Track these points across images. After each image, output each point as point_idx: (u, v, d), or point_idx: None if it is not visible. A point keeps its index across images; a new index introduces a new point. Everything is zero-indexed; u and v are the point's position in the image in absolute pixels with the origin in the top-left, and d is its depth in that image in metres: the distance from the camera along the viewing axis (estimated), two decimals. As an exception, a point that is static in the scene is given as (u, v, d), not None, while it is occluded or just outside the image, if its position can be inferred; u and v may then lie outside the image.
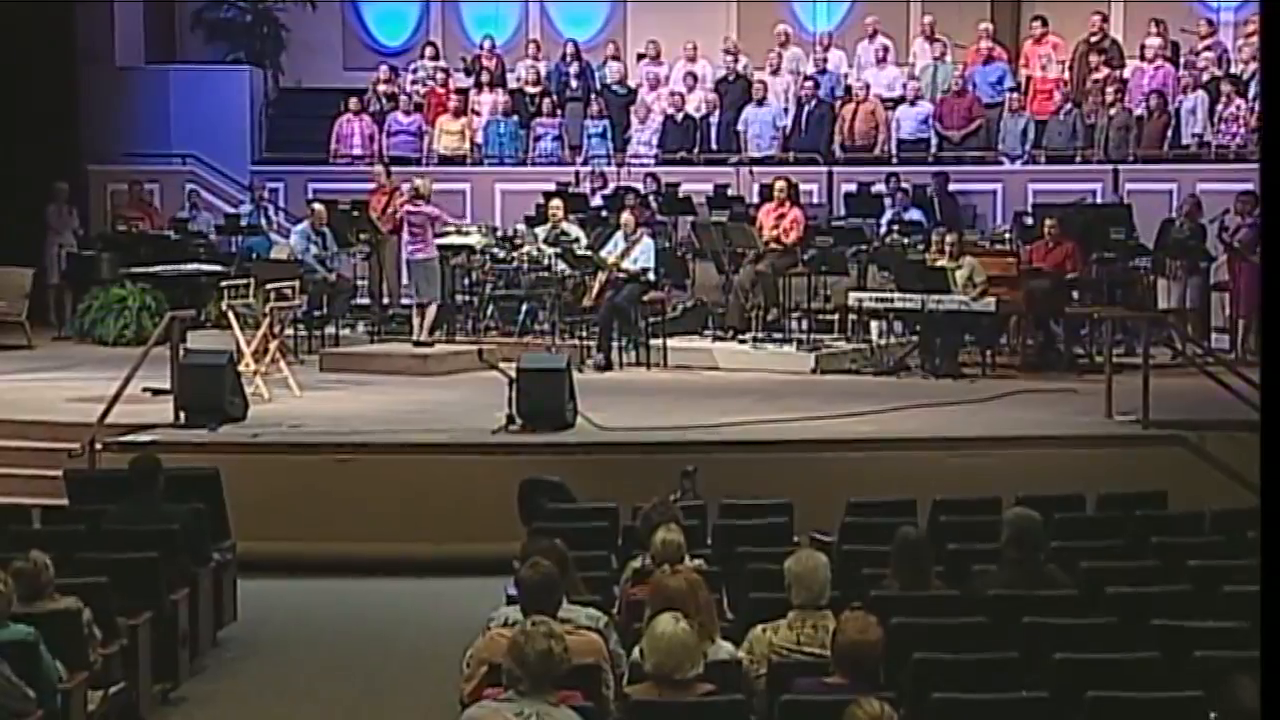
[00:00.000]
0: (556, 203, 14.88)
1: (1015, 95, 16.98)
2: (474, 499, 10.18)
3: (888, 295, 13.61)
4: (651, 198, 16.27)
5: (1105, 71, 16.74)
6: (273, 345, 12.72)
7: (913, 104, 17.04)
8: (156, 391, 11.66)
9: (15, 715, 6.00)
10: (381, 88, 18.50)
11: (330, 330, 14.81)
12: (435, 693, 7.32)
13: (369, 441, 10.67)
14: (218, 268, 14.89)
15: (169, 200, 17.83)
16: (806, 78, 17.46)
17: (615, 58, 18.48)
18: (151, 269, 15.15)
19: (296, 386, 12.43)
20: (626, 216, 14.26)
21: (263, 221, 16.70)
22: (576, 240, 14.47)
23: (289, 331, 13.94)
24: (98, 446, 10.44)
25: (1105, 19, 17.43)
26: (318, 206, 14.95)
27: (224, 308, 12.84)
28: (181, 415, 11.02)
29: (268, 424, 11.14)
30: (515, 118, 17.91)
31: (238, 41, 19.72)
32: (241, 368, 11.90)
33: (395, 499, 10.33)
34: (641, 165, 17.24)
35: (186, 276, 14.91)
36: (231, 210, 17.26)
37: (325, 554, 10.09)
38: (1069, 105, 16.58)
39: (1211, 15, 17.33)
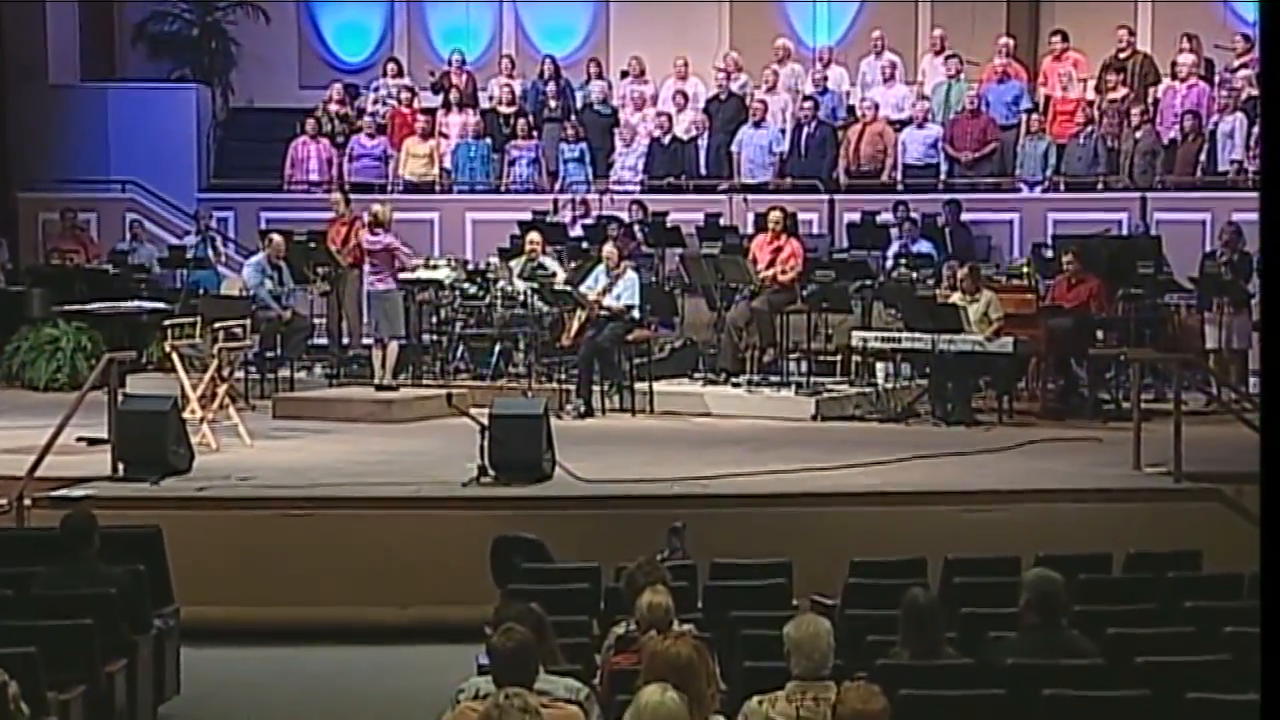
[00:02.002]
0: (535, 236, 14.93)
1: (1034, 116, 17.08)
2: (442, 558, 10.17)
3: (895, 335, 13.66)
4: (636, 228, 16.33)
5: (1123, 91, 16.85)
6: (221, 390, 12.71)
7: (921, 126, 17.14)
8: (92, 441, 11.64)
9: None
10: (333, 108, 18.57)
11: (284, 373, 14.81)
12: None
13: (327, 495, 10.66)
14: (160, 305, 14.88)
15: (107, 231, 17.86)
16: (806, 97, 17.55)
17: (597, 75, 18.58)
18: (87, 306, 15.13)
19: (247, 435, 12.42)
20: (609, 248, 14.31)
21: (210, 254, 16.72)
22: (554, 275, 14.51)
23: (239, 375, 13.94)
24: (26, 502, 10.39)
25: (1132, 34, 17.52)
26: (276, 237, 14.99)
27: (167, 349, 12.84)
28: (120, 467, 11.00)
29: (215, 476, 11.12)
30: (487, 140, 17.99)
31: (183, 57, 19.78)
32: (186, 415, 11.89)
33: (356, 558, 10.31)
34: (626, 192, 17.32)
35: (126, 314, 14.89)
36: (176, 241, 17.29)
37: (278, 620, 10.06)
38: (1091, 127, 16.67)
39: (1248, 30, 17.39)
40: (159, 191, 18.21)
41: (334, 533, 10.40)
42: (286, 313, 14.77)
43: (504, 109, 18.30)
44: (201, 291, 15.51)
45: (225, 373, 12.92)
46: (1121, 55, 17.23)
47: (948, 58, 17.74)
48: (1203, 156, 16.29)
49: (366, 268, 14.36)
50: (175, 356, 12.75)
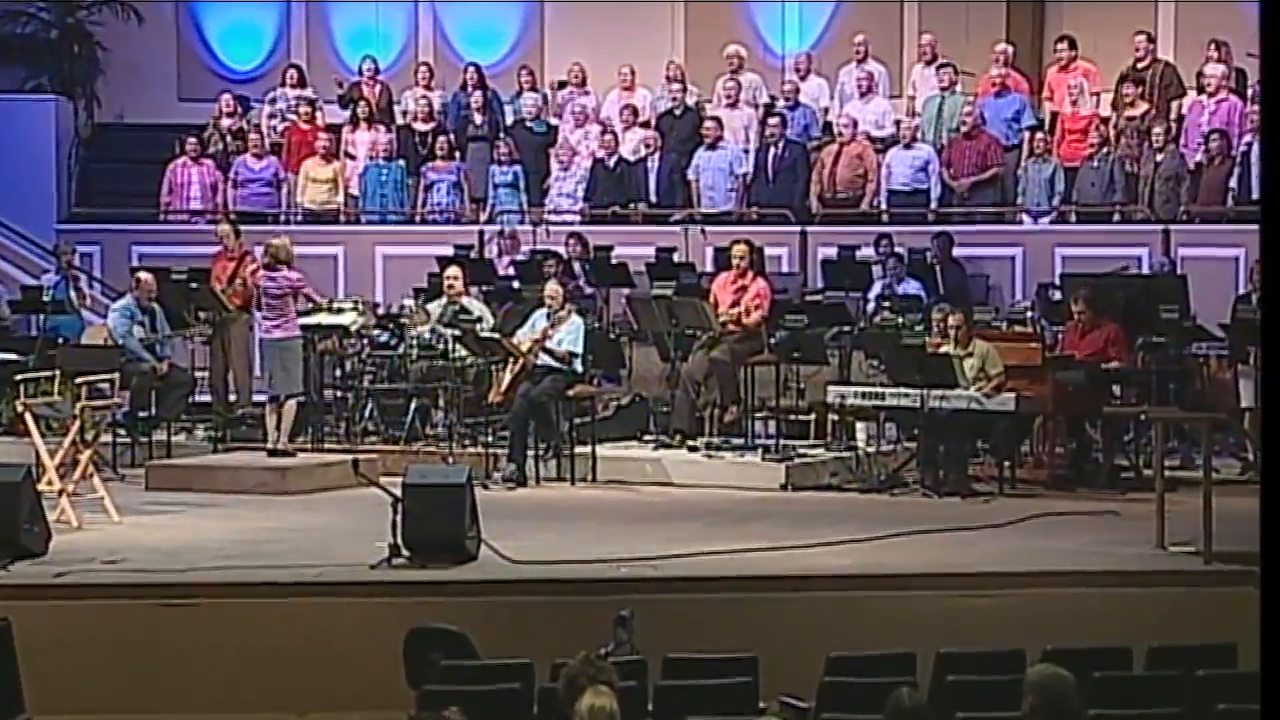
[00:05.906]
0: (454, 271, 14.95)
1: (1038, 136, 17.20)
2: (346, 655, 10.13)
3: (877, 390, 13.71)
4: (576, 264, 16.37)
5: (1142, 107, 17.00)
6: (84, 457, 12.65)
7: (909, 146, 17.24)
8: (-70, 518, 11.57)
9: None
10: (225, 123, 18.55)
11: (160, 436, 14.76)
12: None
13: (209, 581, 10.61)
14: (11, 356, 14.83)
15: (-53, 269, 17.79)
16: (772, 112, 17.64)
17: (530, 86, 18.64)
18: (-77, 359, 15.07)
19: (114, 510, 12.36)
20: (552, 287, 14.33)
21: (72, 296, 16.64)
22: (480, 320, 14.52)
23: (105, 439, 13.87)
24: None
25: (1151, 40, 17.68)
26: (145, 276, 14.96)
27: (19, 408, 12.78)
28: (-38, 549, 10.94)
29: (76, 560, 11.04)
30: (402, 162, 18.00)
31: (40, 64, 19.74)
32: (42, 486, 11.83)
33: (243, 656, 10.26)
34: (564, 223, 17.35)
35: (-30, 368, 14.83)
36: (31, 281, 17.19)
37: (151, 729, 10.01)
38: (1105, 149, 16.81)
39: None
40: (9, 222, 18.11)
41: (218, 626, 10.35)
42: (162, 365, 14.74)
43: (420, 125, 18.31)
44: (60, 340, 15.42)
45: (89, 436, 12.85)
46: (1140, 65, 17.37)
47: (939, 68, 17.84)
48: (1233, 183, 16.40)
49: (258, 313, 14.30)
50: (29, 417, 12.68)
